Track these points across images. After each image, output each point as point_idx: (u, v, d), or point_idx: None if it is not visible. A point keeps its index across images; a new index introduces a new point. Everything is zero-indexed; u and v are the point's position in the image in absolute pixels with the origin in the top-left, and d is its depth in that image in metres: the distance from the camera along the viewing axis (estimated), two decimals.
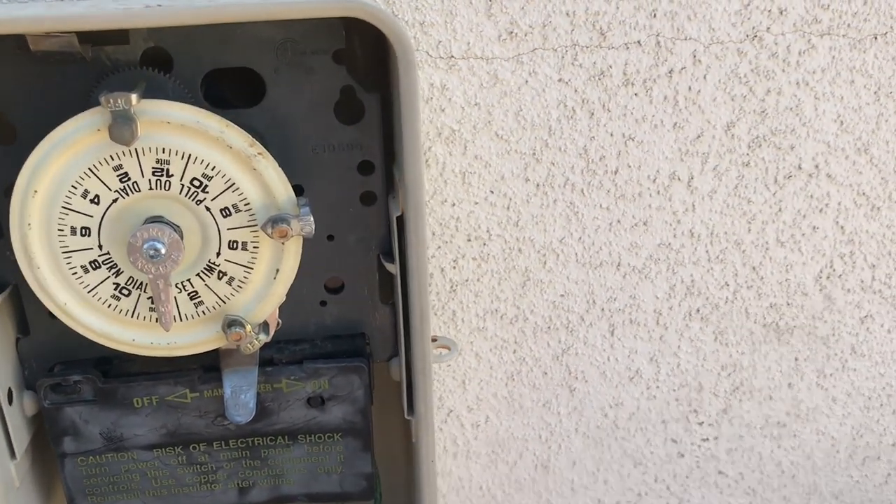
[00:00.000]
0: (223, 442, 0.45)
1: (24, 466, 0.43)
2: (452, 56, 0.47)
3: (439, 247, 0.52)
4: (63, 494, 0.45)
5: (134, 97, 0.35)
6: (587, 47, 0.47)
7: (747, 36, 0.49)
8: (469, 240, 0.51)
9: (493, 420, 0.57)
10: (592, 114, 0.49)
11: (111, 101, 0.35)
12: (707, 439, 0.60)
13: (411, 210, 0.38)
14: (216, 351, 0.42)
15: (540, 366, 0.55)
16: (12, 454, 0.42)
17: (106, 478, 0.45)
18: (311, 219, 0.38)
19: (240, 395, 0.43)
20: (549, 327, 0.54)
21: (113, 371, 0.43)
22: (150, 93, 0.37)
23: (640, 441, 0.59)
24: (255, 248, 0.39)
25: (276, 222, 0.38)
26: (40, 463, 0.45)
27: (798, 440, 0.61)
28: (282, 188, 0.38)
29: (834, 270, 0.55)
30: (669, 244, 0.53)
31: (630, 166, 0.51)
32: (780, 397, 0.59)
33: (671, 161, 0.51)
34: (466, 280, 0.53)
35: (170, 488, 0.45)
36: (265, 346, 0.42)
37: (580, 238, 0.52)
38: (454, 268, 0.52)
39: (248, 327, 0.40)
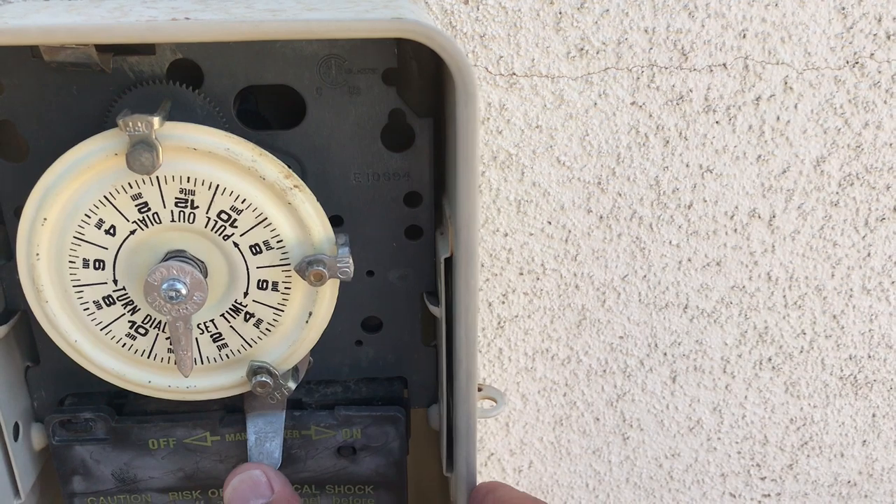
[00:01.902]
0: None
1: None
2: (514, 73, 0.42)
3: (488, 279, 0.47)
4: None
5: (156, 121, 0.31)
6: (666, 68, 0.42)
7: (847, 62, 0.43)
8: (521, 273, 0.47)
9: (538, 465, 0.53)
10: (667, 142, 0.44)
11: (130, 124, 0.31)
12: (769, 495, 0.55)
13: (462, 253, 0.34)
14: None
15: (592, 411, 0.51)
16: (16, 493, 0.39)
17: None
18: (350, 261, 0.34)
19: (265, 442, 0.39)
20: (604, 371, 0.50)
21: (128, 407, 0.40)
22: (176, 111, 0.33)
23: (696, 494, 0.54)
24: (286, 288, 0.35)
25: (311, 264, 0.33)
26: (48, 499, 0.42)
27: (869, 501, 0.56)
28: (319, 225, 0.34)
29: None
30: (744, 287, 0.48)
31: (706, 201, 0.46)
32: (853, 455, 0.54)
33: (752, 197, 0.46)
34: (516, 316, 0.48)
35: None
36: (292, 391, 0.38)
37: (645, 276, 0.47)
38: (503, 303, 0.47)
39: (276, 377, 0.36)
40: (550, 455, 0.52)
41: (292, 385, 0.37)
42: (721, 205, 0.46)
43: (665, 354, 0.50)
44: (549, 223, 0.45)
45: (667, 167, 0.45)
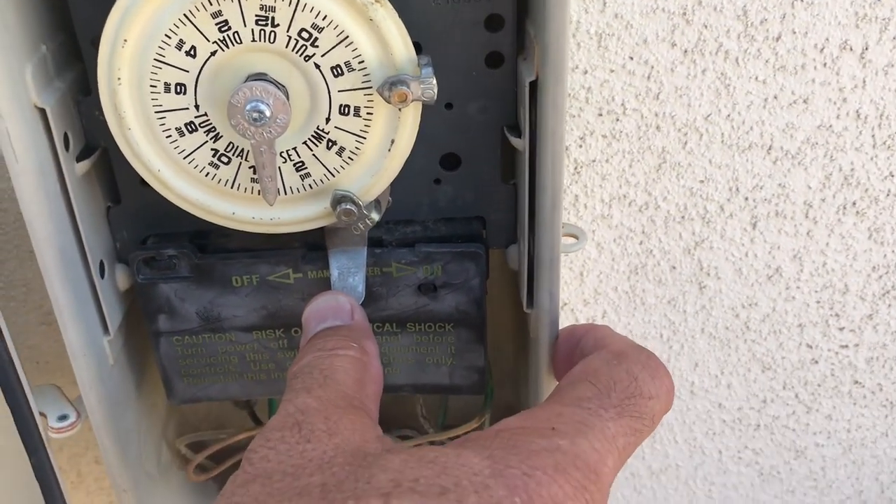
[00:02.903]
0: None
1: (118, 344, 0.41)
2: None
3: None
4: (157, 375, 0.43)
5: None
6: None
7: None
8: (600, 114, 0.45)
9: (611, 315, 0.52)
10: None
11: None
12: (846, 346, 0.54)
13: (550, 74, 0.33)
14: (320, 228, 0.38)
15: (668, 259, 0.50)
16: (105, 330, 0.39)
17: (202, 359, 0.42)
18: (434, 81, 0.33)
19: (347, 277, 0.39)
20: (682, 217, 0.48)
21: (210, 246, 0.40)
22: None
23: (772, 345, 0.54)
24: (368, 114, 0.34)
25: (394, 84, 0.32)
26: (133, 341, 0.43)
27: None
28: (401, 44, 0.32)
29: None
30: (831, 126, 0.46)
31: (795, 32, 0.43)
32: None
33: (844, 27, 0.43)
34: (593, 161, 0.47)
35: (269, 372, 0.42)
36: (373, 226, 0.38)
37: (729, 115, 0.45)
38: (580, 146, 0.46)
39: (360, 207, 0.35)
40: (624, 305, 0.52)
41: (375, 216, 0.36)
42: (811, 36, 0.43)
43: (746, 199, 0.48)
44: (631, 58, 0.43)
45: None
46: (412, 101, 0.33)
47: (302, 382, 0.30)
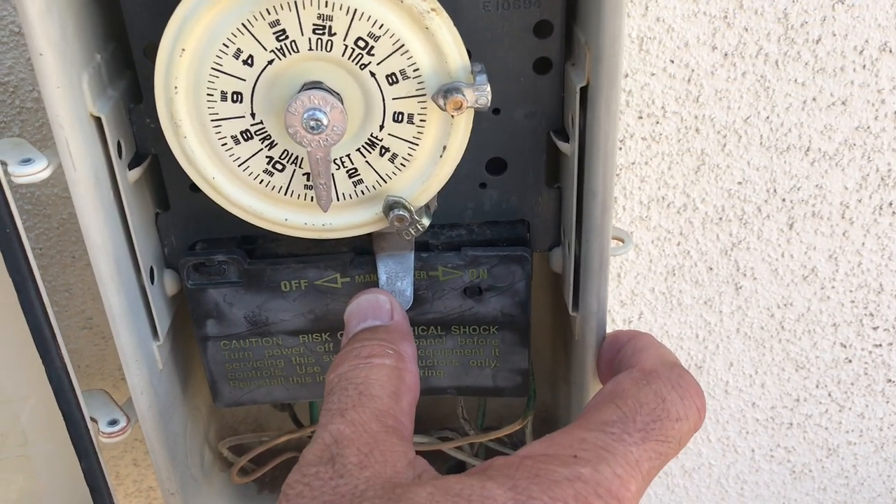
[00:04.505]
0: None
1: (166, 349, 0.41)
2: None
3: None
4: (203, 379, 0.43)
5: None
6: None
7: None
8: (640, 117, 0.45)
9: (647, 316, 0.53)
10: None
11: None
12: (880, 345, 0.54)
13: (604, 80, 0.33)
14: (368, 234, 0.38)
15: (705, 260, 0.50)
16: (155, 335, 0.40)
17: (249, 363, 0.42)
18: (488, 88, 0.33)
19: (396, 281, 0.39)
20: (720, 218, 0.49)
21: (258, 251, 0.40)
22: None
23: (807, 344, 0.54)
24: (421, 121, 0.34)
25: (448, 92, 0.33)
26: (179, 345, 0.43)
27: None
28: (456, 52, 0.33)
29: None
30: (869, 127, 0.46)
31: (835, 35, 0.43)
32: None
33: (884, 29, 0.43)
34: (633, 163, 0.47)
35: (314, 376, 0.43)
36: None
37: (768, 118, 0.46)
38: (620, 149, 0.46)
39: (411, 212, 0.35)
40: (661, 306, 0.52)
41: (426, 221, 0.37)
42: (851, 39, 0.44)
43: (784, 200, 0.48)
44: (672, 62, 0.44)
45: None
46: (466, 108, 0.33)
47: (337, 402, 0.31)
